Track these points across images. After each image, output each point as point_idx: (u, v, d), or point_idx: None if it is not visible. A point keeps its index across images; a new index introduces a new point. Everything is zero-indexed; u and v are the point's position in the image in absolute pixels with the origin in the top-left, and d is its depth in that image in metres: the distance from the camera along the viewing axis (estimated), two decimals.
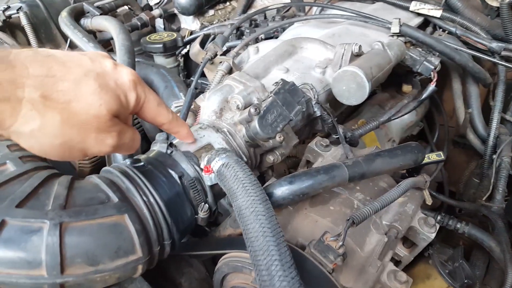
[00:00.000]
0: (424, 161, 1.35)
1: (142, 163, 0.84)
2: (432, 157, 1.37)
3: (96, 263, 0.72)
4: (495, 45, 1.37)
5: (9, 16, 1.79)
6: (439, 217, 1.37)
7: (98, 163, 1.44)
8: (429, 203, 1.03)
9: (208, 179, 0.83)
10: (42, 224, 0.70)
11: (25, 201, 0.73)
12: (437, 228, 0.96)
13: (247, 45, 1.41)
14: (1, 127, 0.58)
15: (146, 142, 1.45)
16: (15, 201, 0.71)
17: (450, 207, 1.69)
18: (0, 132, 0.59)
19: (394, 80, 1.62)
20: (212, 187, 0.86)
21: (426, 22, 1.59)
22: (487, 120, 1.53)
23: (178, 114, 1.16)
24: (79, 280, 0.72)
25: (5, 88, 0.55)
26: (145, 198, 0.79)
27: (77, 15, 1.76)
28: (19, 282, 0.70)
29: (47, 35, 1.92)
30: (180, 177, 0.84)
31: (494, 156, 1.43)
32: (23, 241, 0.69)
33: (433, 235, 0.95)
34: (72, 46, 1.92)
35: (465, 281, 1.13)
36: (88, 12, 1.80)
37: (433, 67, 1.22)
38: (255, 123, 0.91)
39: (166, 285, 1.00)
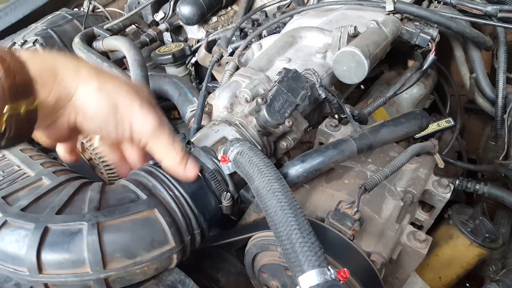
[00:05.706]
0: (435, 129, 1.38)
1: None
2: (442, 124, 1.39)
3: (134, 255, 0.77)
4: (490, 8, 1.36)
5: (27, 50, 1.88)
6: (457, 182, 1.37)
7: None
8: (441, 166, 1.04)
9: (226, 168, 0.86)
10: (81, 225, 0.74)
11: (63, 208, 0.78)
12: (452, 188, 0.98)
13: (250, 43, 1.46)
14: (68, 95, 0.70)
15: None
16: (54, 209, 0.76)
17: (472, 175, 1.69)
18: (63, 104, 0.70)
19: (400, 58, 1.64)
20: (231, 176, 0.90)
21: None
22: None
23: (193, 119, 1.22)
24: (120, 274, 0.76)
25: (69, 60, 0.71)
26: (171, 193, 0.83)
27: (89, 40, 1.82)
28: (67, 281, 0.74)
29: None
30: (200, 171, 0.88)
31: (505, 116, 1.42)
32: (66, 242, 0.73)
33: (448, 195, 0.97)
34: None
35: (487, 235, 1.14)
36: (98, 35, 1.86)
37: (429, 37, 1.24)
38: (264, 112, 0.94)
39: (205, 282, 1.03)
